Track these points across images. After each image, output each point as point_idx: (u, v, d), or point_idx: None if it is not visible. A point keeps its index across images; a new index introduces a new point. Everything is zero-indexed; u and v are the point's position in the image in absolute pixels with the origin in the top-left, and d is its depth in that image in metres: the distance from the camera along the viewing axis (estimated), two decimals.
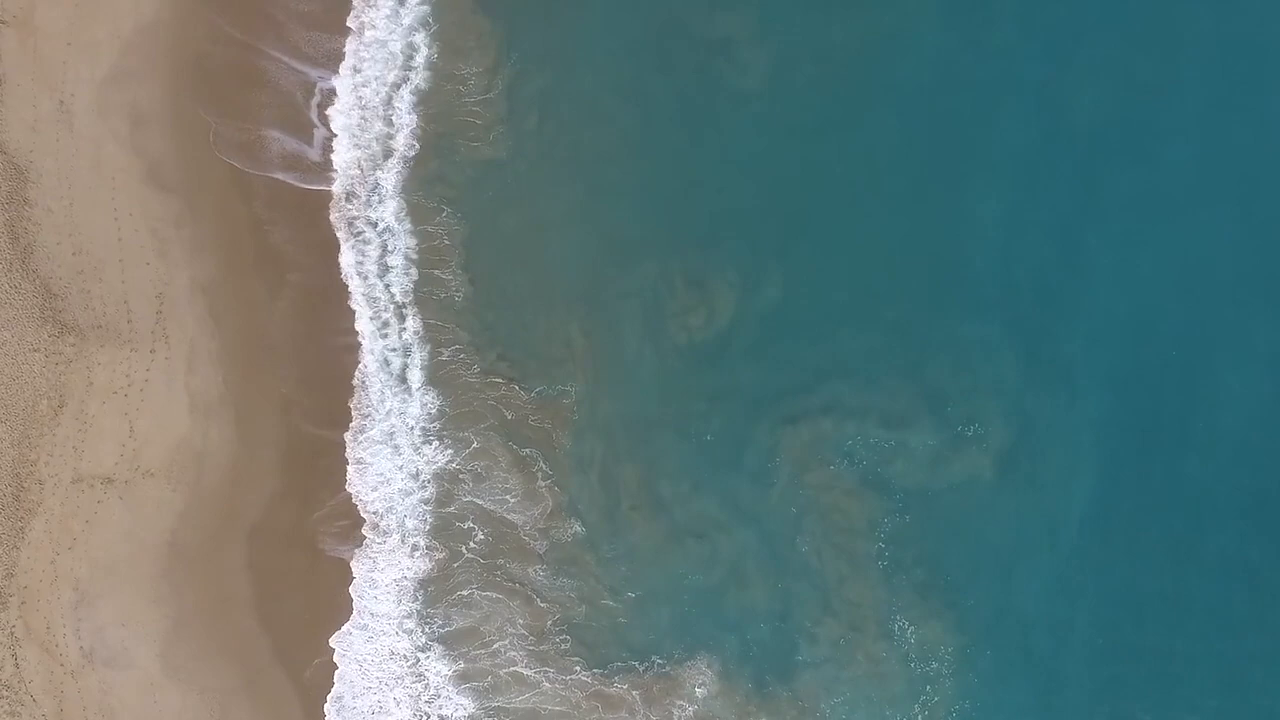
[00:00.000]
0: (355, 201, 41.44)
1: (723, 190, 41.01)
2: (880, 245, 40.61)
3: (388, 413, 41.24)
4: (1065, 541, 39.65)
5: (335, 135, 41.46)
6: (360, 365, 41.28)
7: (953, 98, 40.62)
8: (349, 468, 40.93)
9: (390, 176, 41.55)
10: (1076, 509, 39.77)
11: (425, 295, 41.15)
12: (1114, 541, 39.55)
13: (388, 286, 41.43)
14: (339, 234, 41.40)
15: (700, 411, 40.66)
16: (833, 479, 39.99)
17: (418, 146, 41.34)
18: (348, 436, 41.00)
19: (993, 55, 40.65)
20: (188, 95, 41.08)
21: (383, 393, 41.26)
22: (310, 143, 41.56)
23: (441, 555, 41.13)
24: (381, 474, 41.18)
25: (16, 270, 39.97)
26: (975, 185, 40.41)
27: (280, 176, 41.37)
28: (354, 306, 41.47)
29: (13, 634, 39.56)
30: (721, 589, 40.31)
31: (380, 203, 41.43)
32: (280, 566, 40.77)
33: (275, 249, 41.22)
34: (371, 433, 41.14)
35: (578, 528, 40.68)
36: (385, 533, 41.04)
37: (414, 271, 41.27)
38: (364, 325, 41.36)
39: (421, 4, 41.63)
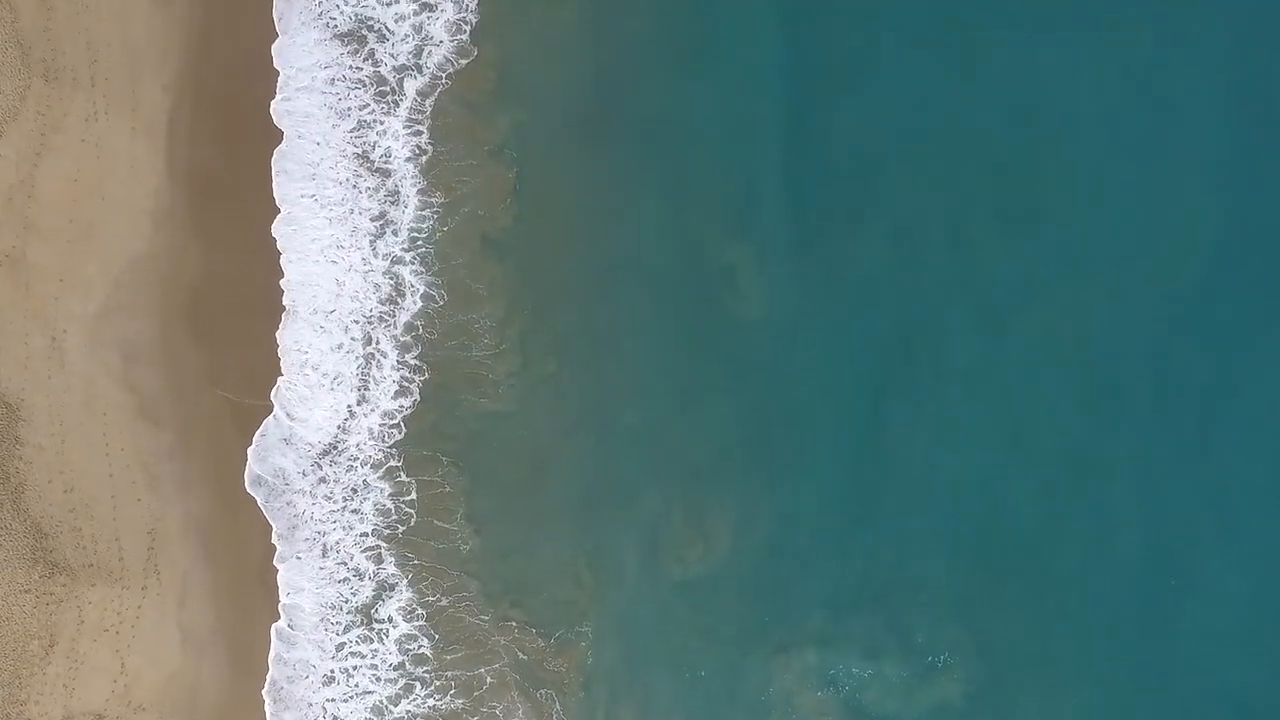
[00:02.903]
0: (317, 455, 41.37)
1: (720, 427, 42.08)
2: (862, 483, 42.01)
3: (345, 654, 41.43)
4: None
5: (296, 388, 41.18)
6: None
7: (938, 336, 42.13)
8: None
9: (370, 429, 41.31)
10: None
11: (422, 544, 41.37)
12: None
13: (349, 528, 41.35)
14: (297, 488, 41.35)
15: (698, 647, 41.70)
16: (821, 705, 41.23)
17: (416, 397, 41.29)
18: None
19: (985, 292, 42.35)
20: (181, 328, 41.14)
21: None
22: None
23: None
24: None
25: (7, 510, 39.80)
26: (954, 425, 41.91)
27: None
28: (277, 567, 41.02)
29: None
30: None
31: (357, 459, 41.35)
32: None
33: None
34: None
35: None
36: None
37: (410, 518, 41.38)
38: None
39: (417, 245, 41.52)
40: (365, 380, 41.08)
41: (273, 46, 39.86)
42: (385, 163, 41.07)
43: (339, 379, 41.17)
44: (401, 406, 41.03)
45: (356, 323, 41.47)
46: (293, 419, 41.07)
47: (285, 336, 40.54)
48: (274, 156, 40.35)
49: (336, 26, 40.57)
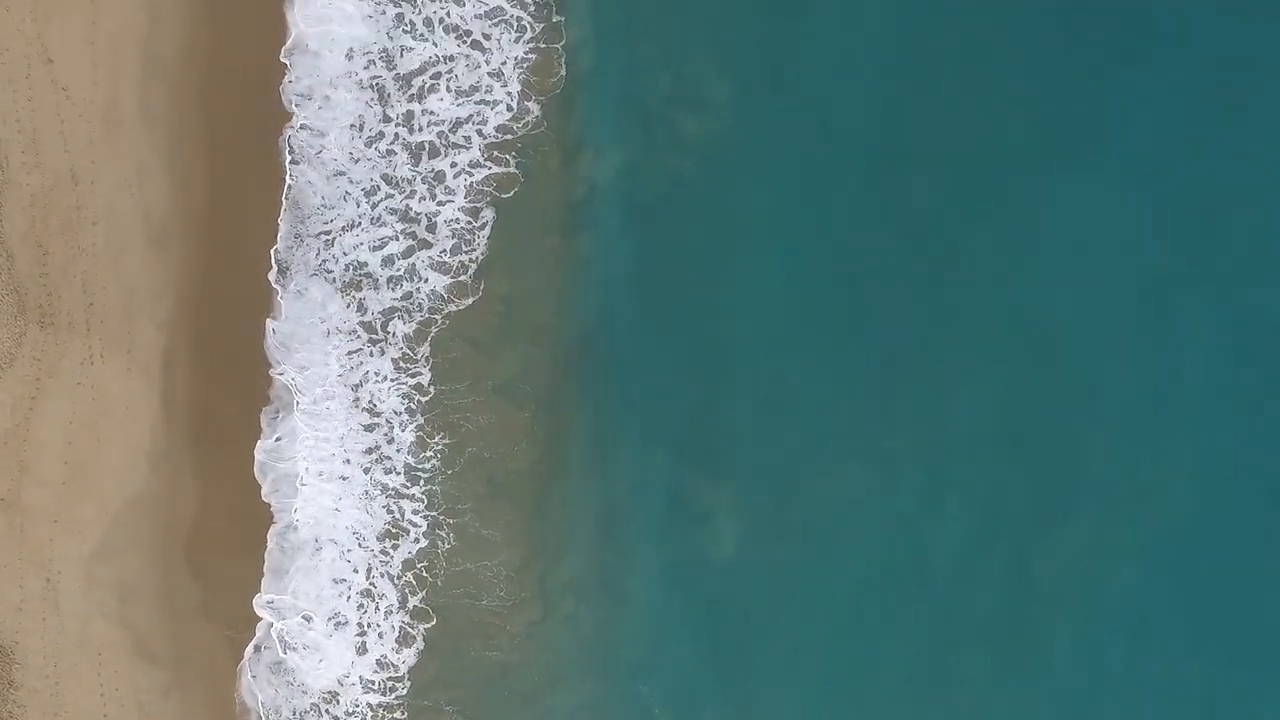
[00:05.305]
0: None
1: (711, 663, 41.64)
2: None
3: None
4: None
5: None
6: None
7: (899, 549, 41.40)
8: None
9: (369, 681, 40.31)
10: None
11: None
12: None
13: None
14: None
15: None
16: None
17: (420, 646, 40.16)
18: None
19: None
20: (178, 565, 40.46)
21: None
22: None
23: None
24: None
25: None
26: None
27: None
28: None
29: None
30: None
31: (354, 714, 40.33)
32: None
33: None
34: None
35: None
36: None
37: None
38: None
39: (419, 482, 40.37)
40: (364, 626, 40.22)
41: (272, 296, 39.04)
42: (380, 403, 39.98)
43: (335, 619, 40.32)
44: (404, 659, 40.09)
45: (351, 550, 40.52)
46: (289, 651, 40.32)
47: (270, 581, 39.85)
48: (268, 396, 39.83)
49: (335, 279, 39.51)
